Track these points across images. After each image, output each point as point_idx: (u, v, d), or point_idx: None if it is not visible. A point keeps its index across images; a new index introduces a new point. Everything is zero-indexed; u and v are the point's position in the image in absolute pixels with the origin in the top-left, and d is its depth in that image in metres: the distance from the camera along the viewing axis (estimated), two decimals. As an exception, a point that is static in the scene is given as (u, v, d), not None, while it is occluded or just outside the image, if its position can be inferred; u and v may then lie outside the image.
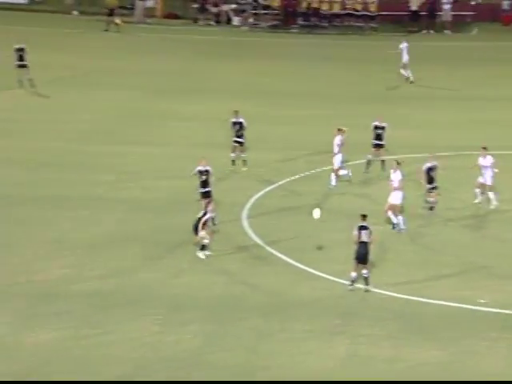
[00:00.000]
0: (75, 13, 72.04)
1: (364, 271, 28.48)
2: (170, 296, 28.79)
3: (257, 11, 69.97)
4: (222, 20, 70.33)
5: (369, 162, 39.53)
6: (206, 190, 33.10)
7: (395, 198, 33.48)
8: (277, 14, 69.99)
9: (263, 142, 40.87)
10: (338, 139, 37.27)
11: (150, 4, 70.43)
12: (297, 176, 38.69)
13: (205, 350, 25.70)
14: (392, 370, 24.83)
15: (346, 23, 70.13)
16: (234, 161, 39.11)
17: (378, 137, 39.30)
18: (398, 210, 33.43)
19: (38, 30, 66.07)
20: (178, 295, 28.85)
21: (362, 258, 28.33)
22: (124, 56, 60.03)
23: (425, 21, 71.04)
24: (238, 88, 52.85)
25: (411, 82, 54.55)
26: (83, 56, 59.26)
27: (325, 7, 69.95)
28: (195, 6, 70.72)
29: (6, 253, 31.67)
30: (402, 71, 54.36)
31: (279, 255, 31.33)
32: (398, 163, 34.24)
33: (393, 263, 30.67)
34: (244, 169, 39.47)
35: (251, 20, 69.75)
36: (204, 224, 30.54)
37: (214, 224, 32.56)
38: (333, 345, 26.05)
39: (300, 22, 69.64)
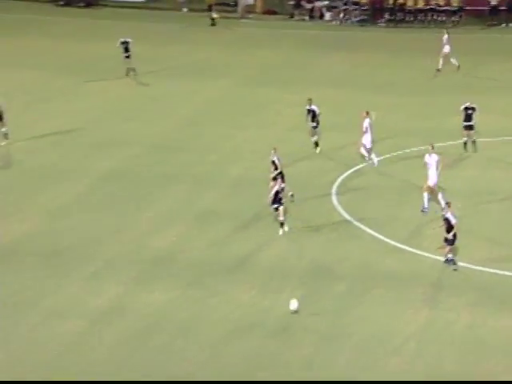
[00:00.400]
0: (185, 10, 72.13)
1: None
2: (264, 265, 29.10)
3: (347, 7, 69.66)
4: (315, 15, 70.36)
5: (465, 143, 38.83)
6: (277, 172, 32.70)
7: (431, 179, 32.51)
8: (365, 10, 69.70)
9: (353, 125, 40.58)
10: (366, 122, 36.20)
11: (250, 1, 70.55)
12: (382, 157, 38.31)
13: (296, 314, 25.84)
14: (470, 335, 24.82)
15: (430, 18, 69.10)
16: (316, 142, 38.96)
17: (468, 118, 38.62)
18: (432, 191, 32.54)
19: (153, 26, 66.52)
20: (271, 264, 29.10)
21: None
22: (228, 49, 60.03)
23: (504, 15, 69.30)
24: (332, 78, 52.69)
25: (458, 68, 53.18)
26: (191, 48, 59.46)
27: (410, 3, 69.39)
28: (291, 2, 70.77)
29: (122, 224, 32.30)
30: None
31: (367, 230, 31.39)
32: (433, 147, 33.26)
33: (474, 238, 30.06)
34: (317, 151, 39.25)
35: (341, 15, 69.47)
36: (278, 201, 30.68)
37: (292, 201, 32.77)
38: (415, 311, 26.14)
39: (386, 16, 69.18)
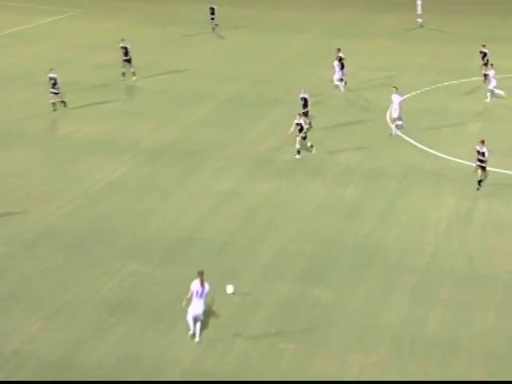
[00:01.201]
0: None
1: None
2: (335, 167, 29.25)
3: None
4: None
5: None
6: (305, 110, 31.90)
7: (394, 113, 32.16)
8: None
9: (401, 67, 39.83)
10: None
11: None
12: (427, 88, 38.18)
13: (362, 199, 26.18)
14: (487, 219, 24.93)
15: None
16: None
17: (482, 58, 38.34)
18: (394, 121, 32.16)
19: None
20: (341, 166, 29.19)
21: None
22: (309, 11, 59.14)
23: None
24: (391, 32, 51.77)
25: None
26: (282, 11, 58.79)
27: None
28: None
29: (238, 134, 32.41)
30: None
31: (412, 142, 31.23)
32: (396, 89, 32.58)
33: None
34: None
35: None
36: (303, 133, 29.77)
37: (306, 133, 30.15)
38: (444, 199, 26.36)
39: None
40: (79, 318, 19.67)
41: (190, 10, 57.39)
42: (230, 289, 20.29)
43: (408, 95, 37.05)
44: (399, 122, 32.32)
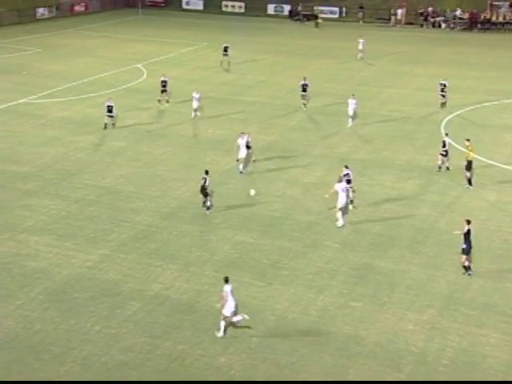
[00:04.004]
0: (361, 22, 68.39)
1: None
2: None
3: (454, 20, 65.41)
4: (436, 25, 66.28)
5: None
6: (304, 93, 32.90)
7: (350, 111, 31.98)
8: (466, 22, 65.15)
9: (456, 88, 38.47)
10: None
11: (399, 16, 67.21)
12: (472, 107, 36.54)
13: (420, 191, 25.14)
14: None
15: (505, 27, 63.98)
16: (304, 104, 35.06)
17: None
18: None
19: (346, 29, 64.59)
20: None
21: None
22: (384, 44, 57.94)
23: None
24: (446, 60, 49.95)
25: None
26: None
27: (493, 18, 64.39)
28: (421, 17, 66.83)
29: (323, 135, 31.95)
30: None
31: (461, 148, 29.76)
32: (353, 95, 32.20)
33: None
34: (305, 108, 35.80)
35: (451, 25, 65.33)
36: None
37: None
38: (485, 194, 25.19)
39: (479, 26, 64.48)
40: (201, 273, 19.79)
41: (290, 41, 57.00)
42: (252, 192, 21.20)
43: (458, 112, 35.73)
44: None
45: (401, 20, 67.28)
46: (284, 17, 69.66)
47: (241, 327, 17.01)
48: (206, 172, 23.49)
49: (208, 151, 30.21)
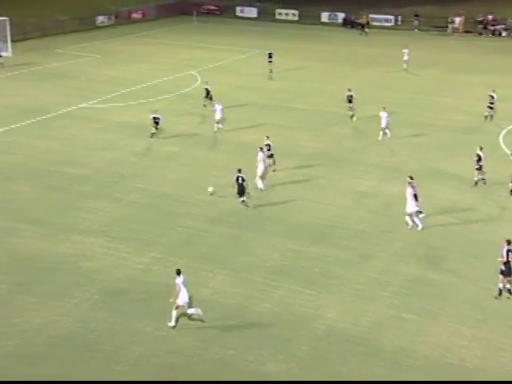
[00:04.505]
0: (416, 30, 67.20)
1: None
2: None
3: (516, 28, 64.13)
4: (496, 33, 64.68)
5: None
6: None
7: None
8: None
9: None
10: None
11: (456, 25, 65.92)
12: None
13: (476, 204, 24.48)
14: None
15: None
16: (352, 115, 34.44)
17: None
18: None
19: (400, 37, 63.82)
20: None
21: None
22: (440, 52, 56.91)
23: None
24: (507, 70, 48.52)
25: None
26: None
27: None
28: (480, 25, 65.28)
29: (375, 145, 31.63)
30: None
31: None
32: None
33: None
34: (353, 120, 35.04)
35: None
36: None
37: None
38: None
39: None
40: (250, 278, 19.82)
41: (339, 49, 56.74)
42: (210, 189, 21.19)
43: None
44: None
45: (458, 28, 66.02)
46: (338, 25, 69.37)
47: (194, 320, 17.19)
48: (239, 170, 23.81)
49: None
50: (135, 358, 16.08)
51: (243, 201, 24.30)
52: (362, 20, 66.08)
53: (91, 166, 28.86)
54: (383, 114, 31.82)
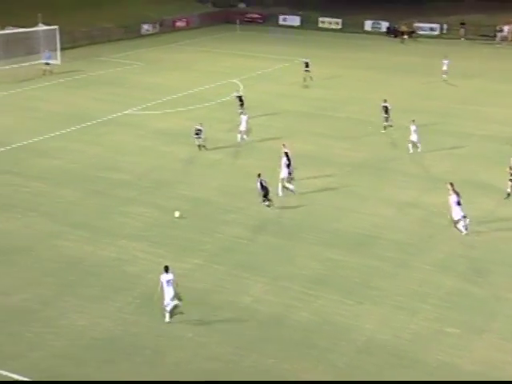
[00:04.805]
0: (462, 39, 65.97)
1: None
2: None
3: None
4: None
5: None
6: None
7: None
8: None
9: None
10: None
11: (505, 34, 64.57)
12: None
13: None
14: None
15: None
16: (385, 127, 34.09)
17: None
18: None
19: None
20: None
21: None
22: (486, 61, 55.89)
23: None
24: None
25: None
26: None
27: None
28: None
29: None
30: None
31: None
32: None
33: None
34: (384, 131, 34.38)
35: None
36: None
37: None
38: None
39: None
40: (289, 287, 19.79)
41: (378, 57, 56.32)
42: (176, 213, 20.95)
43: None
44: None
45: (507, 37, 64.66)
46: (381, 33, 68.83)
47: (175, 313, 17.61)
48: (259, 175, 24.60)
49: (299, 166, 30.21)
50: (174, 363, 16.24)
51: (268, 205, 24.89)
52: (403, 28, 65.53)
53: (133, 171, 29.33)
54: (412, 127, 31.24)
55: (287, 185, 26.36)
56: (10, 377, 15.34)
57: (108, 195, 26.64)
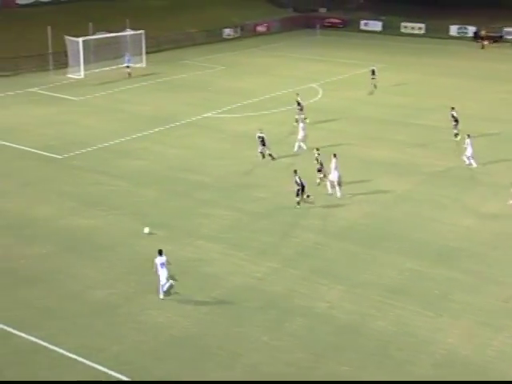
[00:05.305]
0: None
1: None
2: None
3: None
4: None
5: None
6: None
7: None
8: None
9: None
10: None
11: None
12: None
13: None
14: None
15: None
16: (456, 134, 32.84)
17: None
18: None
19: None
20: None
21: None
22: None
23: None
24: None
25: None
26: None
27: None
28: None
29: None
30: None
31: None
32: None
33: None
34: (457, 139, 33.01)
35: None
36: None
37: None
38: None
39: None
40: (366, 295, 19.57)
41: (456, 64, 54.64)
42: (146, 230, 21.18)
43: None
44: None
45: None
46: (468, 39, 66.85)
47: (171, 294, 18.89)
48: (295, 171, 25.36)
49: (382, 174, 29.86)
50: (250, 365, 16.38)
51: (298, 202, 25.48)
52: (482, 33, 63.33)
53: (212, 174, 29.82)
54: (467, 141, 30.00)
55: (337, 188, 26.61)
56: (96, 368, 15.98)
57: (187, 196, 27.22)
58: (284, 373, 16.09)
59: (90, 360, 16.20)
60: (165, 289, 18.81)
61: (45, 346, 16.72)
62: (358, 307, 18.91)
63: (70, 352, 16.47)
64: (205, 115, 39.55)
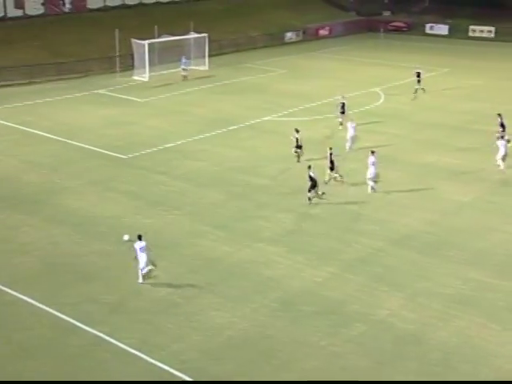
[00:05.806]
0: None
1: None
2: None
3: None
4: None
5: None
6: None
7: None
8: None
9: None
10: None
11: None
12: None
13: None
14: None
15: None
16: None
17: None
18: None
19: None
20: None
21: None
22: None
23: None
24: None
25: None
26: None
27: None
28: None
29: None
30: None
31: None
32: None
33: None
34: None
35: None
36: None
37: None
38: None
39: None
40: (427, 304, 19.23)
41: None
42: (125, 237, 21.00)
43: None
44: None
45: None
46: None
47: (150, 278, 19.80)
48: (309, 167, 25.84)
49: (444, 180, 29.27)
50: (307, 369, 16.33)
51: (309, 197, 25.89)
52: None
53: (272, 176, 29.93)
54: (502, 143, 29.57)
55: (371, 183, 27.17)
56: (157, 365, 16.26)
57: (247, 198, 27.42)
58: (340, 379, 15.94)
59: (152, 357, 16.52)
60: (143, 272, 19.71)
61: (108, 341, 17.18)
62: (418, 316, 18.58)
63: (131, 347, 16.87)
64: (265, 118, 39.75)
